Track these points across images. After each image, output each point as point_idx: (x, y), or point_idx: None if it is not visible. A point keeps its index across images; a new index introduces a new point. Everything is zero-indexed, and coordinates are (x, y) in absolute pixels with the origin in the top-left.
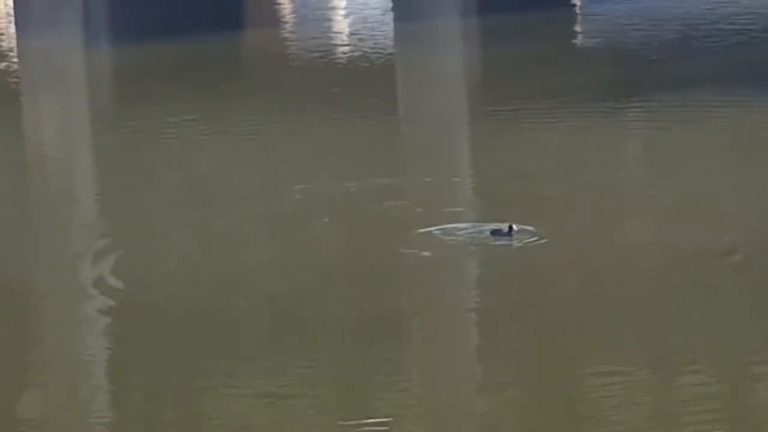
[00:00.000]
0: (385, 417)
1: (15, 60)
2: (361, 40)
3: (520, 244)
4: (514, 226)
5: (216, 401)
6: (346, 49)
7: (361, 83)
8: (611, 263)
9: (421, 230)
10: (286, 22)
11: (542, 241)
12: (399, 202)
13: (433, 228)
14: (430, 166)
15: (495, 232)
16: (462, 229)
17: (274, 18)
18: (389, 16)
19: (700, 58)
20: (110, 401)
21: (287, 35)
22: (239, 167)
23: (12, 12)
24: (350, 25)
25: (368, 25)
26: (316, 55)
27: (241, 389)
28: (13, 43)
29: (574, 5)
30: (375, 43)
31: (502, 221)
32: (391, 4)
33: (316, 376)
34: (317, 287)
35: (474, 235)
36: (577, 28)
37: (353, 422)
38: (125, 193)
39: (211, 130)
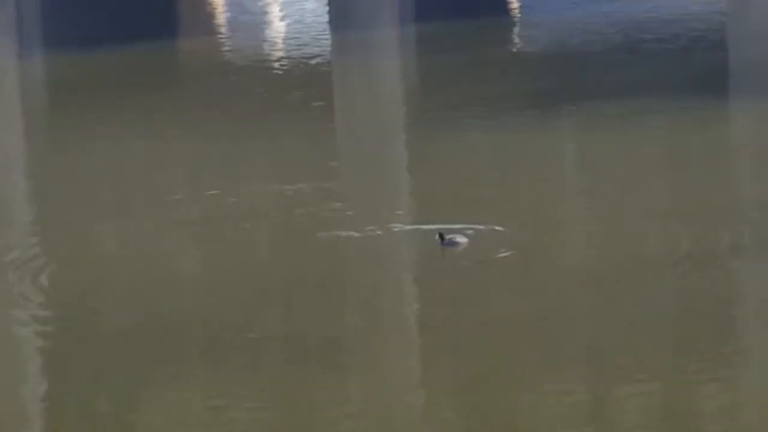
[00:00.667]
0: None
1: None
2: (298, 47)
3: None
4: (445, 236)
5: (153, 413)
6: (283, 55)
7: (297, 90)
8: (546, 266)
9: (353, 232)
10: (223, 29)
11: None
12: (333, 205)
13: (369, 229)
14: (365, 170)
15: (443, 239)
16: (400, 230)
17: (210, 25)
18: (327, 24)
19: (638, 65)
20: (44, 408)
21: (223, 42)
22: (170, 173)
23: None
24: (287, 31)
25: (305, 32)
26: (252, 61)
27: (180, 399)
28: None
29: (513, 13)
30: (312, 50)
31: (439, 223)
32: (327, 11)
33: (255, 389)
34: (248, 296)
35: (412, 235)
36: (516, 35)
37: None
38: (54, 200)
39: (142, 136)
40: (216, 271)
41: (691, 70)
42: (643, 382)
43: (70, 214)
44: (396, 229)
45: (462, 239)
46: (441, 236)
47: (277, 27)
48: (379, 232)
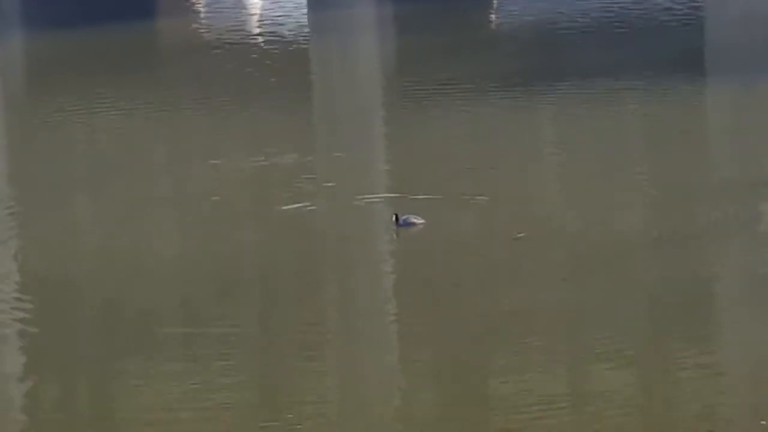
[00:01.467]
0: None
1: None
2: (275, 26)
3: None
4: (402, 216)
5: (130, 395)
6: (259, 35)
7: (275, 69)
8: (517, 247)
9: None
10: (200, 11)
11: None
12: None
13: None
14: (342, 145)
15: (398, 220)
16: (364, 199)
17: (187, 6)
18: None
19: (615, 46)
20: (22, 389)
21: (201, 23)
22: (149, 148)
23: None
24: (264, 12)
25: (282, 12)
26: (229, 41)
27: (156, 382)
28: None
29: None
30: (289, 30)
31: (413, 197)
32: None
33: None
34: (227, 276)
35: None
36: (492, 16)
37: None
38: (30, 179)
39: (122, 114)
40: (184, 251)
41: (668, 51)
42: (622, 368)
43: (45, 193)
44: (363, 202)
45: (418, 220)
46: (396, 217)
47: (255, 6)
48: (347, 204)
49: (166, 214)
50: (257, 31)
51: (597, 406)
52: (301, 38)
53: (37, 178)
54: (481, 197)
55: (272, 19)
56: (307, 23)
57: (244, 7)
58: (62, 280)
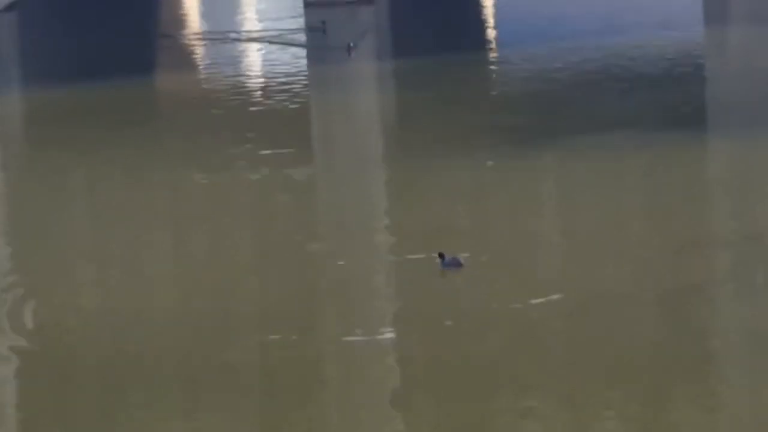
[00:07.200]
0: None
1: None
2: (275, 81)
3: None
4: (447, 256)
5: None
6: (260, 90)
7: (275, 124)
8: (519, 299)
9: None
10: (201, 66)
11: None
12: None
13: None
14: (341, 200)
15: (443, 259)
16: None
17: (188, 61)
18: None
19: (614, 100)
20: None
21: (202, 78)
22: (144, 210)
23: None
24: (264, 65)
25: (283, 66)
26: (228, 95)
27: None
28: None
29: (490, 49)
30: (290, 86)
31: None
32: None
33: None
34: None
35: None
36: (492, 71)
37: None
38: (30, 232)
39: (118, 167)
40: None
41: (668, 105)
42: (610, 419)
43: (47, 249)
44: (365, 258)
45: (462, 260)
46: (441, 256)
47: (256, 63)
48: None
49: (173, 281)
50: (259, 84)
51: None
52: (303, 93)
53: (35, 230)
54: (485, 257)
55: (272, 74)
56: (308, 78)
57: (244, 61)
58: (60, 328)
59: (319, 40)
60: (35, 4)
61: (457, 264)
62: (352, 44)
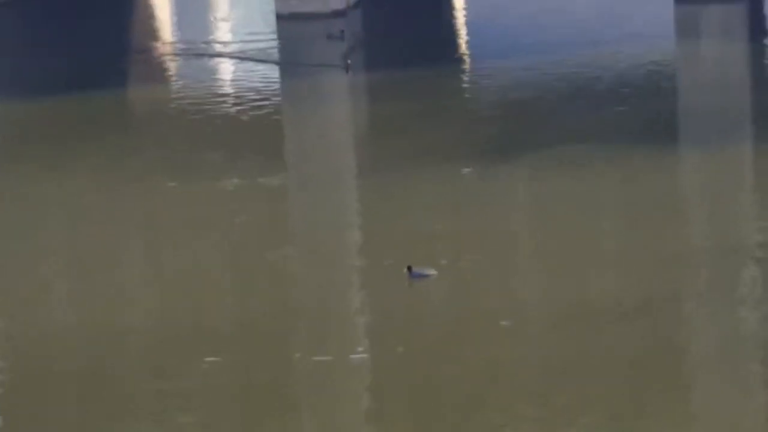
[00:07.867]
0: None
1: None
2: (247, 93)
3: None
4: (413, 269)
5: None
6: (232, 102)
7: (246, 138)
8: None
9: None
10: (174, 80)
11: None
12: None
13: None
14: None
15: (411, 271)
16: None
17: (161, 75)
18: (276, 72)
19: (587, 113)
20: None
21: (175, 91)
22: (118, 222)
23: None
24: (235, 78)
25: (255, 80)
26: (201, 108)
27: None
28: None
29: (464, 62)
30: (263, 98)
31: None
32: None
33: None
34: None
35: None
36: (466, 84)
37: None
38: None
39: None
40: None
41: (642, 117)
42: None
43: (22, 262)
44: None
45: (431, 271)
46: (409, 269)
47: (229, 74)
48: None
49: (145, 291)
50: (231, 97)
51: None
52: (275, 106)
53: (8, 242)
54: (467, 266)
55: (245, 87)
56: (280, 91)
57: (217, 75)
58: (40, 342)
59: (297, 56)
60: (5, 17)
61: (425, 277)
62: (349, 61)
